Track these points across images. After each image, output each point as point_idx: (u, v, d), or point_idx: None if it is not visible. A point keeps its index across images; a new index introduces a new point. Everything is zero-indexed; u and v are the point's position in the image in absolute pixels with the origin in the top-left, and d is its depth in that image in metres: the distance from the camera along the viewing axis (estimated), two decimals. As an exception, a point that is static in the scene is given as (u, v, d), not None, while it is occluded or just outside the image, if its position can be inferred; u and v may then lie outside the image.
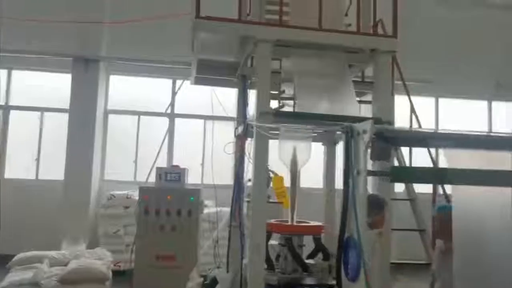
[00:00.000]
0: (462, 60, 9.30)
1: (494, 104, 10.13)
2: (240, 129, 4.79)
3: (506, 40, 9.60)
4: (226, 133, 8.87)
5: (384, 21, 4.65)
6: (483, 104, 10.16)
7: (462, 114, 9.88)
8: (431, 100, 9.92)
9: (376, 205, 2.04)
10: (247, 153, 4.41)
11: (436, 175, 1.77)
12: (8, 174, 8.75)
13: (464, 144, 1.71)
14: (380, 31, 4.70)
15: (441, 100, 9.97)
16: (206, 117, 9.01)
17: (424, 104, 8.92)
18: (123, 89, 9.22)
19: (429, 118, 9.50)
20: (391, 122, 3.90)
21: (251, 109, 4.86)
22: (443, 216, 3.66)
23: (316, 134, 4.71)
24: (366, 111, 4.68)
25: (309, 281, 3.95)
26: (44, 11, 7.69)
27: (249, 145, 4.38)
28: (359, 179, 1.69)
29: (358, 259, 1.77)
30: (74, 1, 8.23)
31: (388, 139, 1.58)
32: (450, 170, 1.71)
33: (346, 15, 4.78)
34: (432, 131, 2.03)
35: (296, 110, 4.15)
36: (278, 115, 3.62)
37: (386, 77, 3.97)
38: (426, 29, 8.44)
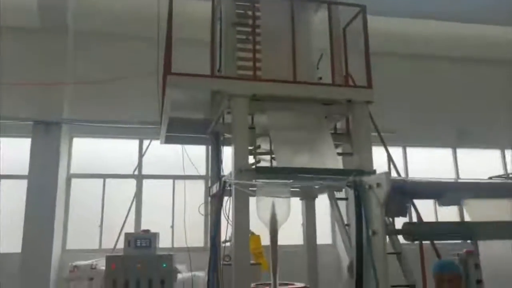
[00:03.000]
0: (424, 110, 9.64)
1: (459, 151, 10.38)
2: (215, 187, 4.57)
3: (465, 88, 10.10)
4: (197, 192, 8.68)
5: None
6: (448, 151, 10.39)
7: (429, 162, 10.04)
8: (399, 150, 10.05)
9: None
10: (224, 213, 4.17)
11: (464, 231, 1.59)
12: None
13: (489, 193, 1.57)
14: (350, 83, 4.74)
15: (408, 149, 10.14)
16: (175, 177, 8.72)
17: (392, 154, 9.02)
18: (87, 151, 8.86)
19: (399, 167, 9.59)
20: (374, 173, 3.80)
21: (226, 167, 4.69)
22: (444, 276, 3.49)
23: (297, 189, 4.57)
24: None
25: None
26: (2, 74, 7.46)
27: (226, 204, 4.16)
28: (377, 240, 1.49)
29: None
30: (34, 63, 8.09)
31: (406, 193, 1.42)
32: (478, 224, 1.54)
33: (317, 68, 4.81)
34: (453, 181, 1.87)
35: (275, 165, 4.00)
36: (260, 171, 3.44)
37: (364, 127, 3.92)
38: (386, 81, 8.71)
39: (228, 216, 3.94)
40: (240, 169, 3.40)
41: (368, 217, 1.47)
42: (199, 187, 8.79)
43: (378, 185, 1.49)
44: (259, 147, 4.52)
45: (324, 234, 8.82)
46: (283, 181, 3.56)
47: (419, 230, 1.59)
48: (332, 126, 4.60)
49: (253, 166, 4.00)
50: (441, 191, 1.55)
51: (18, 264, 7.48)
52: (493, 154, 10.64)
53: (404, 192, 1.44)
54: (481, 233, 1.52)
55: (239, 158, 3.54)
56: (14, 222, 7.80)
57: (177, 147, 6.87)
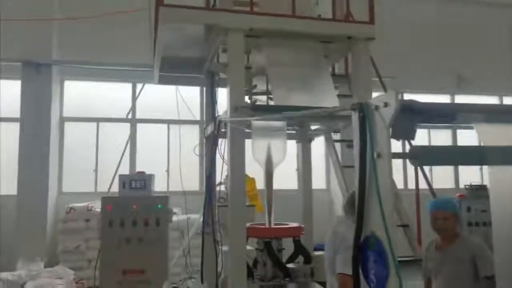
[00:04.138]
0: (423, 55, 9.43)
1: (457, 98, 10.30)
2: (210, 128, 4.49)
3: (465, 34, 9.84)
4: (191, 137, 8.60)
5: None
6: (446, 98, 10.30)
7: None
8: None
9: None
10: (219, 154, 4.11)
11: (474, 155, 1.52)
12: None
13: (503, 117, 1.48)
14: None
15: (406, 95, 10.02)
16: (170, 121, 8.62)
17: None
18: (79, 95, 8.68)
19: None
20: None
21: (221, 107, 4.57)
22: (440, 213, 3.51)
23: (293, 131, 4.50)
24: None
25: (292, 286, 3.69)
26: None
27: (221, 145, 4.09)
28: (382, 163, 1.42)
29: (385, 268, 1.45)
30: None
31: (416, 114, 1.32)
32: (490, 149, 1.46)
33: (317, 4, 4.59)
34: (466, 103, 1.78)
35: (272, 103, 3.89)
36: (257, 109, 3.33)
37: (365, 67, 3.77)
38: (386, 25, 8.43)
39: (223, 157, 3.88)
40: (236, 106, 3.29)
41: (373, 139, 1.39)
42: (194, 131, 8.72)
43: (386, 104, 1.39)
44: (255, 86, 4.39)
45: (317, 180, 8.88)
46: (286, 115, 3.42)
47: (428, 154, 1.51)
48: (330, 66, 4.46)
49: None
50: (453, 112, 1.46)
51: (14, 205, 7.52)
52: (491, 101, 10.57)
53: (413, 113, 1.35)
54: (492, 157, 1.45)
55: (234, 95, 3.41)
56: (10, 164, 7.78)
57: (171, 93, 6.71)
